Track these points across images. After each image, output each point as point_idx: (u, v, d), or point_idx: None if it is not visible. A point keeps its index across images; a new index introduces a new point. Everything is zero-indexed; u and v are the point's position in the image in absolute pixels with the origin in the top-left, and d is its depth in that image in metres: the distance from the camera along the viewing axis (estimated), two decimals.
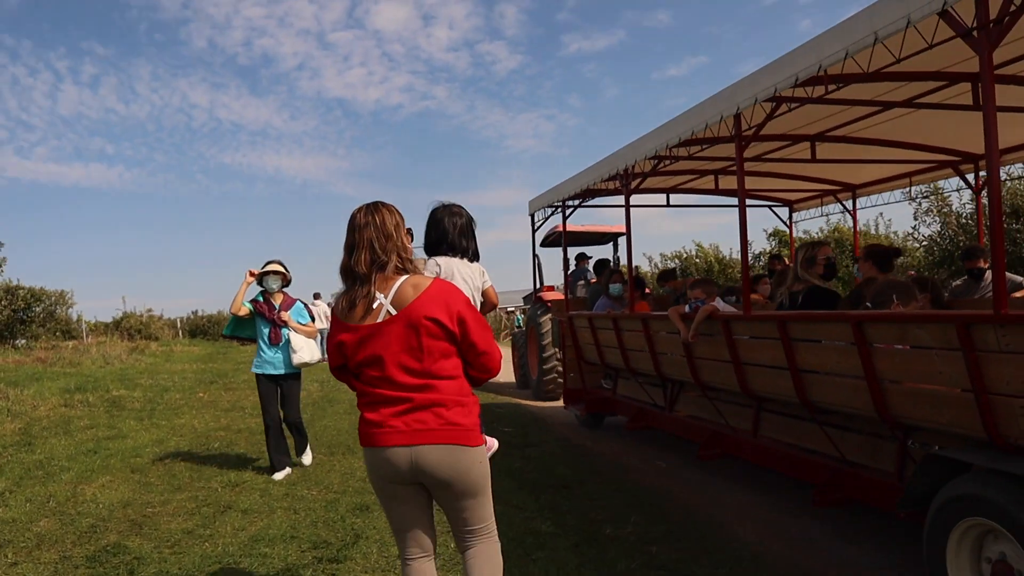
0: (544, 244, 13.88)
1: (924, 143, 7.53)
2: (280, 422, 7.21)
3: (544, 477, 6.72)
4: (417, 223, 3.64)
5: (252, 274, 7.06)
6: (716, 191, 9.96)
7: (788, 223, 11.49)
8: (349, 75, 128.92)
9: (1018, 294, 7.04)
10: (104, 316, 36.85)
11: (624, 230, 10.10)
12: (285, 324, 7.11)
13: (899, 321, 3.95)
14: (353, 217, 2.92)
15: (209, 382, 16.22)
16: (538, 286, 13.13)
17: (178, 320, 41.86)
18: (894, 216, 47.58)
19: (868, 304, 4.41)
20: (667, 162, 7.26)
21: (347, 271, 2.88)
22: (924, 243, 18.62)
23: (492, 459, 4.86)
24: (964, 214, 17.19)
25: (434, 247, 3.94)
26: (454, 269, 3.86)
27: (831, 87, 4.96)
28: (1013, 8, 3.23)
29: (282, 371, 7.15)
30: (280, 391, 7.25)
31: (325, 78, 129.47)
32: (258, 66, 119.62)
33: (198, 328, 40.79)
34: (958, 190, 8.82)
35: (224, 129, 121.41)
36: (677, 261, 26.54)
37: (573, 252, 12.44)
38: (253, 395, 12.54)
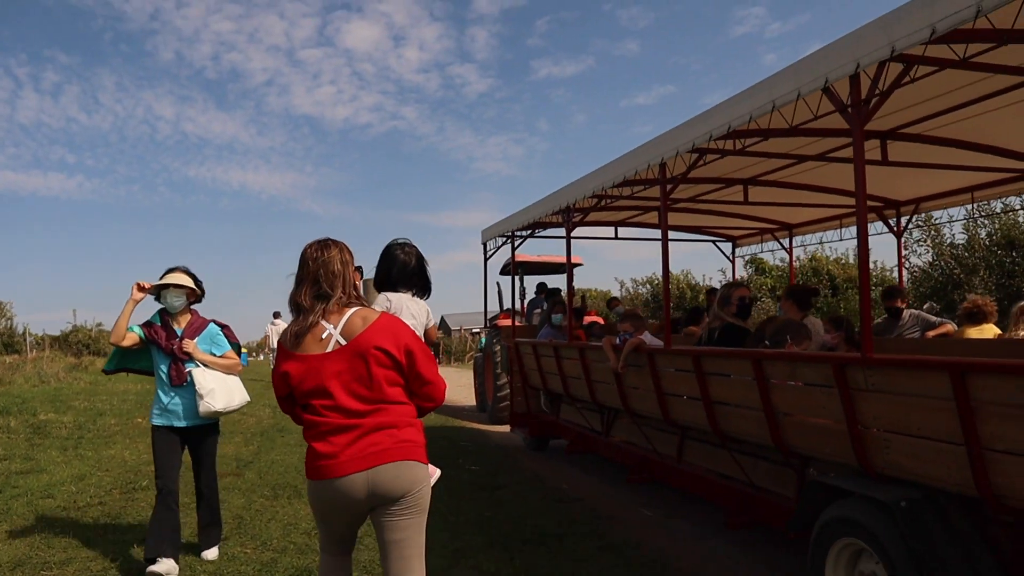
0: (503, 272, 14.28)
1: (846, 189, 8.05)
2: (177, 493, 5.07)
3: (518, 529, 5.94)
4: (380, 245, 4.01)
5: (142, 288, 4.98)
6: (659, 226, 10.41)
7: (731, 258, 12.01)
8: (318, 93, 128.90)
9: (931, 333, 7.55)
10: (56, 330, 35.21)
11: (580, 261, 10.44)
12: (189, 357, 5.12)
13: (789, 360, 4.38)
14: (304, 252, 3.06)
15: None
16: (496, 312, 13.51)
17: None
18: (876, 246, 48.76)
19: (767, 342, 4.84)
20: (608, 200, 7.68)
21: (293, 302, 3.03)
22: (914, 272, 18.49)
23: (459, 505, 5.06)
24: (959, 244, 17.21)
25: (385, 283, 4.15)
26: (403, 305, 4.08)
27: (751, 140, 5.44)
28: (879, 92, 3.69)
29: (186, 423, 5.13)
30: (188, 448, 5.27)
31: (294, 95, 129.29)
32: (226, 80, 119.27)
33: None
34: (880, 233, 9.26)
35: (190, 143, 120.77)
36: (648, 286, 26.97)
37: (534, 280, 12.88)
38: None
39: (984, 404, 3.17)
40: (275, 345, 27.26)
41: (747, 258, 23.55)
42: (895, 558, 3.48)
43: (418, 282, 4.18)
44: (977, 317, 6.97)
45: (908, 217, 8.82)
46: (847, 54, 3.72)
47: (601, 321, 12.11)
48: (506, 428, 11.93)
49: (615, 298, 12.95)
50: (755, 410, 4.74)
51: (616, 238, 11.09)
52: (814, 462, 4.67)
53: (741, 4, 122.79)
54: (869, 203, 8.72)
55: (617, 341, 6.53)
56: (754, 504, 5.22)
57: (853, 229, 9.84)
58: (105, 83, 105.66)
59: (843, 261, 22.72)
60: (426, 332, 4.22)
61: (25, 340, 32.12)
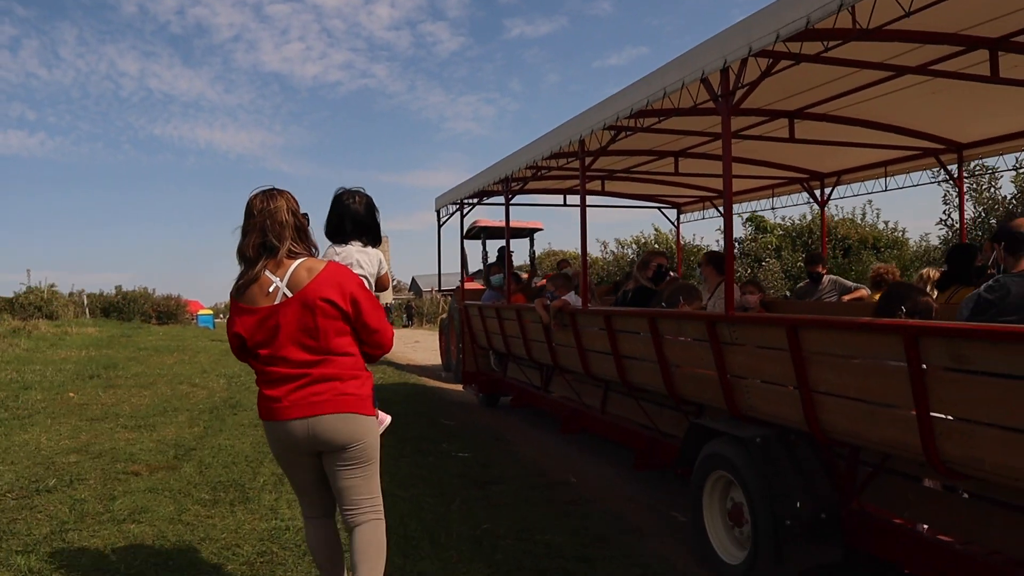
0: (467, 236, 14.77)
1: (772, 161, 8.65)
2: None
3: (527, 550, 4.65)
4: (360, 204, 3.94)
5: None
6: (603, 192, 10.96)
7: (676, 223, 12.62)
8: (287, 49, 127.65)
9: (847, 297, 8.20)
10: (9, 292, 32.37)
11: (539, 225, 10.95)
12: None
13: (676, 318, 4.98)
14: (249, 203, 3.05)
15: (89, 376, 12.71)
16: (462, 277, 14.03)
17: (84, 296, 35.36)
18: (883, 204, 48.12)
19: (663, 303, 5.44)
20: (543, 171, 8.21)
21: (240, 254, 3.03)
22: (953, 227, 16.84)
23: (448, 512, 4.93)
24: (1007, 196, 15.94)
25: (335, 233, 3.99)
26: (353, 255, 3.94)
27: (659, 118, 5.99)
28: (744, 85, 4.24)
29: None
30: None
31: (262, 51, 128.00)
32: (191, 36, 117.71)
33: (111, 306, 35.28)
34: (807, 203, 9.89)
35: (155, 99, 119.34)
36: (634, 247, 26.96)
37: (496, 245, 13.38)
38: (136, 397, 10.44)
39: (811, 354, 3.77)
40: None
41: (747, 216, 23.67)
42: (750, 485, 4.10)
43: (368, 231, 3.98)
44: (880, 284, 7.61)
45: (831, 188, 9.44)
46: (716, 51, 4.27)
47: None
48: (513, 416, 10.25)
49: (564, 260, 13.53)
50: (653, 363, 5.34)
51: (565, 205, 11.65)
52: (703, 408, 5.29)
53: None
54: (792, 174, 9.34)
55: (547, 301, 7.11)
56: (659, 448, 5.85)
57: (789, 197, 10.50)
58: (66, 37, 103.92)
59: (851, 220, 21.92)
60: (378, 280, 4.06)
61: None
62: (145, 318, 34.98)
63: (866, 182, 9.16)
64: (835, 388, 3.68)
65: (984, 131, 7.18)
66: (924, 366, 3.10)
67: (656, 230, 26.55)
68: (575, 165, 8.17)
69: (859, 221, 22.20)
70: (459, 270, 13.34)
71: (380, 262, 4.08)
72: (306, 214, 3.18)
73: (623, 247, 27.61)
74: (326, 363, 2.99)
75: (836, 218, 22.32)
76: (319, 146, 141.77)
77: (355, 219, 3.96)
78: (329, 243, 4.07)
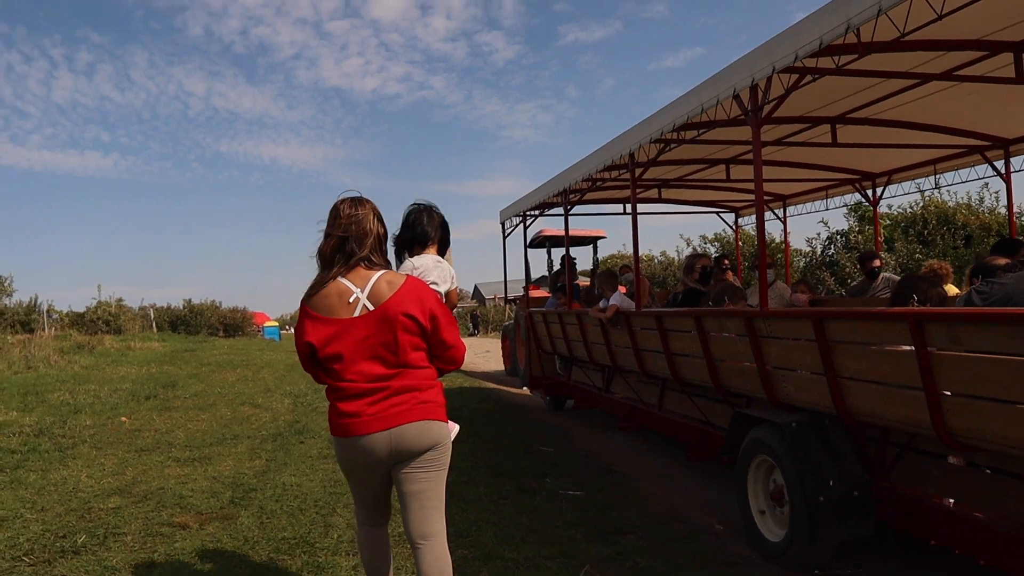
0: (531, 246, 15.30)
1: (833, 164, 8.95)
2: None
3: None
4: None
5: None
6: (660, 200, 11.33)
7: (735, 227, 12.89)
8: (346, 64, 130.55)
9: None
10: (82, 306, 32.49)
11: (602, 233, 11.36)
12: None
13: (718, 316, 5.37)
14: (336, 206, 3.03)
15: (145, 396, 12.01)
16: (526, 285, 14.56)
17: (151, 310, 35.43)
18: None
19: (710, 303, 5.82)
20: (600, 182, 8.66)
21: (321, 256, 3.01)
22: None
23: None
24: None
25: (409, 245, 3.97)
26: (429, 269, 3.90)
27: (700, 131, 6.39)
28: (772, 100, 4.64)
29: None
30: None
31: (322, 67, 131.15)
32: (255, 55, 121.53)
33: (179, 319, 35.43)
34: (857, 204, 10.09)
35: (221, 118, 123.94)
36: (717, 244, 26.54)
37: (561, 253, 13.88)
38: (193, 421, 9.65)
39: (836, 343, 4.14)
40: None
41: (850, 205, 22.05)
42: (787, 466, 4.47)
43: (441, 245, 3.98)
44: (934, 280, 7.81)
45: (882, 188, 9.64)
46: (745, 70, 4.67)
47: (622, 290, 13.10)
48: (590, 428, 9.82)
49: (626, 266, 13.92)
50: (700, 359, 5.73)
51: (624, 213, 12.07)
52: (750, 400, 5.65)
53: None
54: (846, 176, 9.58)
55: (601, 305, 7.53)
56: (709, 440, 6.22)
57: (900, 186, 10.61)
58: (137, 60, 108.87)
59: (967, 204, 20.01)
60: (447, 295, 3.96)
61: (45, 318, 30.08)
62: (212, 331, 35.59)
63: (918, 180, 9.34)
64: (857, 373, 4.04)
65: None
66: (929, 349, 3.45)
67: (733, 228, 26.04)
68: (628, 176, 8.63)
69: (975, 206, 20.32)
70: (523, 278, 13.85)
71: (452, 278, 4.01)
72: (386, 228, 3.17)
73: (707, 243, 27.25)
74: (403, 375, 2.97)
75: (950, 204, 20.65)
76: (379, 158, 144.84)
77: (429, 233, 3.93)
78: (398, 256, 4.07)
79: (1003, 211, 20.51)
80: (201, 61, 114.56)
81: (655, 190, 10.77)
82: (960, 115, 7.02)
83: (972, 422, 3.35)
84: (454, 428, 3.41)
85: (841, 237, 22.37)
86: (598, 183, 8.80)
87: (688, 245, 28.09)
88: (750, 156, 8.47)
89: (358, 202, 3.05)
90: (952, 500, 4.04)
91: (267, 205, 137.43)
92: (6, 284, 29.05)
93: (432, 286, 3.68)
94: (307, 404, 11.10)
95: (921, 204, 20.68)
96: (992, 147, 7.89)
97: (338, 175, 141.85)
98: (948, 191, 21.92)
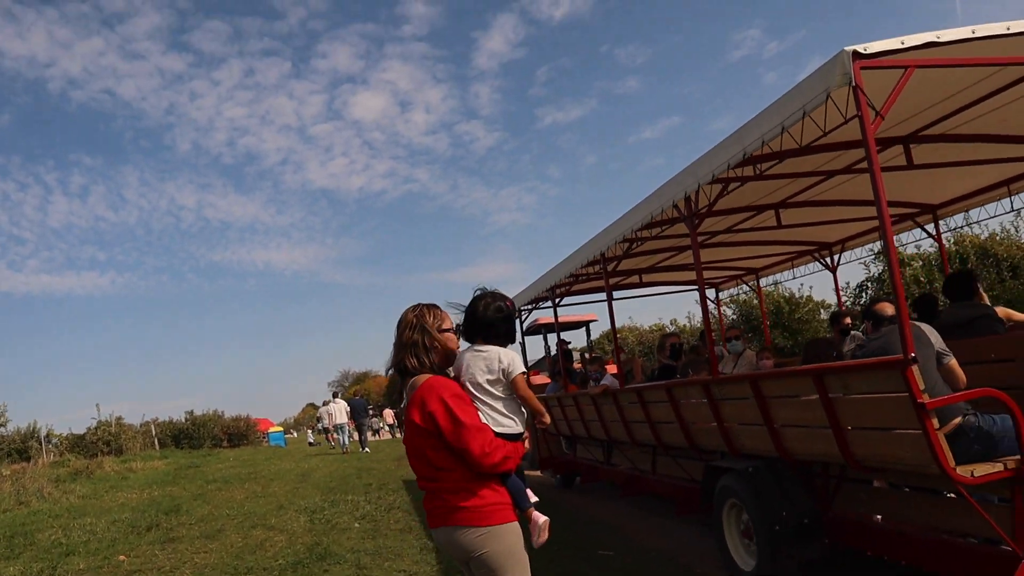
0: (527, 334, 16.42)
1: (792, 239, 10.08)
2: None
3: None
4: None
5: None
6: (641, 284, 12.44)
7: (717, 301, 13.99)
8: (332, 165, 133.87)
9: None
10: (82, 428, 31.54)
11: (594, 317, 12.42)
12: None
13: (683, 386, 6.39)
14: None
15: (147, 527, 10.90)
16: (527, 371, 15.59)
17: (152, 425, 34.22)
18: None
19: (678, 375, 6.84)
20: (582, 278, 9.78)
21: None
22: None
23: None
24: None
25: (468, 335, 3.66)
26: (471, 358, 3.48)
27: (661, 228, 7.51)
28: (704, 207, 5.76)
29: None
30: None
31: (308, 170, 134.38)
32: (242, 164, 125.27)
33: (182, 433, 34.28)
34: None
35: (213, 228, 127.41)
36: (733, 305, 26.59)
37: (567, 337, 14.96)
38: (200, 554, 8.67)
39: (770, 399, 5.15)
40: (329, 425, 28.22)
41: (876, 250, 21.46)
42: (749, 505, 5.42)
43: (498, 332, 3.51)
44: (831, 342, 8.76)
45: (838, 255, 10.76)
46: (680, 184, 5.82)
47: (614, 369, 14.12)
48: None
49: (620, 348, 15.00)
50: (675, 423, 6.72)
51: (609, 300, 13.17)
52: (722, 454, 6.61)
53: (737, 28, 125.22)
54: (804, 247, 10.71)
55: (591, 383, 8.53)
56: (694, 494, 7.14)
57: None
58: (129, 180, 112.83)
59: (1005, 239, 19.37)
60: (513, 383, 3.39)
61: (42, 444, 28.86)
62: (215, 442, 34.81)
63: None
64: (787, 421, 5.05)
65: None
66: (830, 395, 4.47)
67: (751, 289, 26.20)
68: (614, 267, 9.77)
69: (1014, 236, 19.78)
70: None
71: (507, 361, 3.42)
72: (458, 325, 3.39)
73: (723, 305, 27.57)
74: (437, 478, 3.11)
75: (982, 236, 20.11)
76: (370, 254, 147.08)
77: (482, 321, 3.52)
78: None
79: None
80: (191, 175, 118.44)
81: (636, 276, 11.91)
82: (891, 188, 8.15)
83: (868, 449, 4.34)
84: (537, 520, 3.29)
85: (874, 284, 22.28)
86: (580, 277, 9.91)
87: (676, 321, 29.20)
88: (716, 239, 9.62)
89: (404, 313, 3.31)
90: (879, 516, 4.98)
91: (263, 309, 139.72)
92: (1, 414, 28.36)
93: (481, 375, 3.35)
94: (325, 520, 10.05)
95: (952, 240, 20.09)
96: (921, 213, 9.03)
97: (331, 274, 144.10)
98: (982, 224, 20.88)
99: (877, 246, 10.92)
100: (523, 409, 3.36)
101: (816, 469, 5.35)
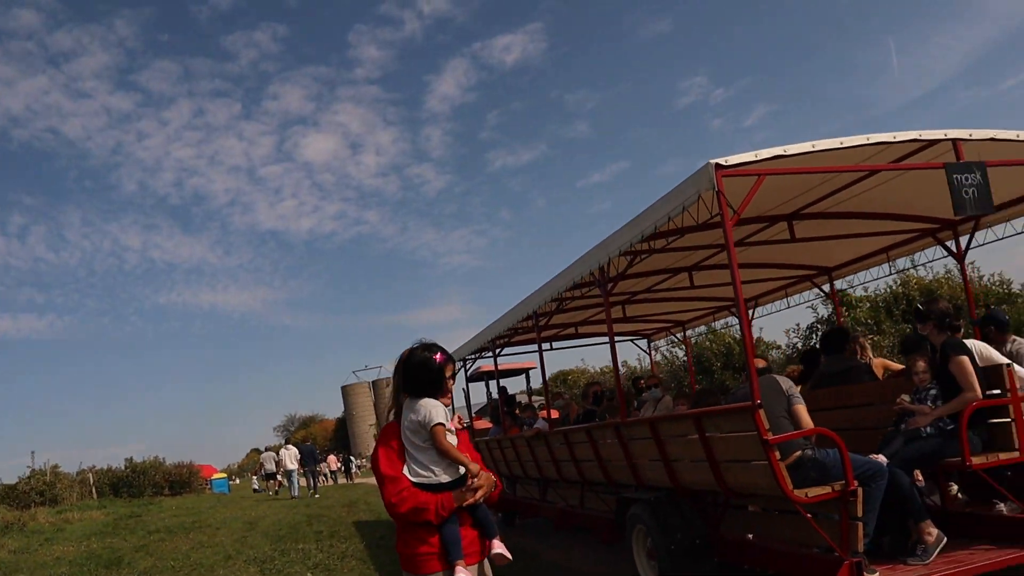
0: (471, 380, 17.40)
1: (707, 295, 11.24)
2: None
3: None
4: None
5: None
6: (577, 335, 13.53)
7: (649, 351, 15.15)
8: (281, 207, 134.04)
9: None
10: (14, 477, 30.04)
11: (532, 365, 13.44)
12: None
13: (600, 428, 7.41)
14: None
15: None
16: (470, 417, 16.57)
17: (90, 474, 32.99)
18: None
19: (597, 419, 7.87)
20: (517, 332, 10.81)
21: None
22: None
23: None
24: None
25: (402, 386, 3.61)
26: (407, 406, 3.52)
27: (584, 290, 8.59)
28: (614, 274, 6.84)
29: None
30: None
31: (257, 212, 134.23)
32: (189, 204, 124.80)
33: (121, 481, 33.07)
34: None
35: (158, 270, 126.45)
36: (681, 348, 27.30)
37: (509, 384, 15.95)
38: None
39: (667, 438, 6.18)
40: (278, 471, 28.41)
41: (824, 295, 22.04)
42: (652, 530, 6.41)
43: (422, 382, 3.51)
44: (713, 391, 9.81)
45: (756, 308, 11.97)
46: (596, 255, 6.89)
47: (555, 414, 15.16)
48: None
49: (559, 392, 16.04)
50: (594, 461, 7.72)
51: (540, 351, 14.25)
52: (628, 487, 7.60)
53: (684, 75, 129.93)
54: (718, 304, 11.91)
55: (523, 428, 9.51)
56: (613, 524, 8.12)
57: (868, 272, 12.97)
58: (71, 220, 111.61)
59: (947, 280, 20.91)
60: (431, 433, 3.41)
61: None
62: (157, 490, 33.68)
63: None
64: (678, 456, 6.08)
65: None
66: (708, 434, 5.52)
67: (713, 332, 27.53)
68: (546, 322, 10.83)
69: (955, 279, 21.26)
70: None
71: (427, 411, 3.43)
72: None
73: (671, 348, 28.24)
74: None
75: (928, 279, 21.64)
76: (319, 296, 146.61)
77: (410, 373, 3.53)
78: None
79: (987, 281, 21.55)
80: (136, 215, 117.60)
81: (572, 328, 13.00)
82: (794, 254, 9.32)
83: (735, 478, 5.39)
84: (497, 549, 3.48)
85: (821, 325, 23.66)
86: (519, 330, 10.95)
87: (656, 351, 30.01)
88: (641, 297, 10.76)
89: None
90: (751, 535, 6.01)
91: (209, 353, 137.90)
92: None
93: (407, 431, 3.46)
94: (276, 571, 9.91)
95: (898, 283, 21.61)
96: (818, 274, 10.27)
97: (279, 317, 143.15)
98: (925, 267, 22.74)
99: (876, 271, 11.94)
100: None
101: (706, 497, 6.38)
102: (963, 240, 8.14)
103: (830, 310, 22.85)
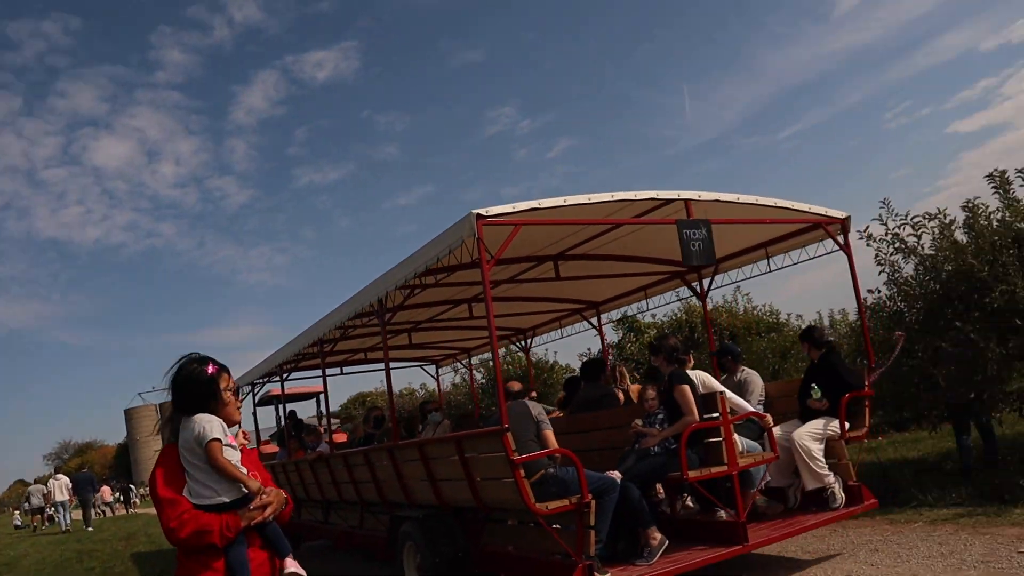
0: (259, 404, 17.22)
1: (484, 325, 11.94)
2: None
3: None
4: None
5: None
6: (366, 360, 13.88)
7: (436, 377, 15.76)
8: (64, 214, 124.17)
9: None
10: None
11: (319, 389, 13.58)
12: None
13: (376, 451, 7.85)
14: None
15: None
16: (257, 440, 16.38)
17: None
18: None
19: (376, 442, 8.30)
20: (304, 358, 11.04)
21: None
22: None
23: None
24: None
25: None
26: (183, 423, 3.32)
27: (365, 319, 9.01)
28: (393, 306, 7.32)
29: None
30: None
31: (36, 217, 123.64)
32: None
33: None
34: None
35: None
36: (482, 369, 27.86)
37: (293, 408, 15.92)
38: None
39: (433, 459, 6.71)
40: (46, 504, 26.31)
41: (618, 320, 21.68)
42: (420, 545, 6.90)
43: (192, 396, 3.32)
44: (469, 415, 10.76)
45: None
46: (374, 290, 7.33)
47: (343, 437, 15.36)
48: None
49: (348, 416, 16.30)
50: (371, 482, 8.13)
51: (323, 376, 14.49)
52: (401, 506, 8.06)
53: (492, 105, 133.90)
54: (507, 332, 12.70)
55: (307, 451, 9.76)
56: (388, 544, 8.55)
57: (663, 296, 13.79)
58: None
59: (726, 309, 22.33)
60: (205, 450, 3.22)
61: None
62: None
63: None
64: (443, 476, 6.63)
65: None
66: (467, 455, 6.10)
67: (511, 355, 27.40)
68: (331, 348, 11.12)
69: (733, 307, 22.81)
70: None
71: (197, 430, 3.26)
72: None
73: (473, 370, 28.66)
74: None
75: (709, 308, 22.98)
76: (104, 312, 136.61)
77: (177, 386, 3.34)
78: None
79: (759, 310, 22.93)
80: None
81: (361, 353, 13.34)
82: (565, 290, 10.19)
83: (489, 494, 6.00)
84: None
85: (615, 349, 24.05)
86: (307, 355, 11.18)
87: (456, 373, 30.29)
88: (426, 324, 11.31)
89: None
90: (511, 547, 6.64)
91: None
92: None
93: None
94: None
95: (682, 311, 22.49)
96: (587, 308, 11.27)
97: (56, 333, 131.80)
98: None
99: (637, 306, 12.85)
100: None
101: (469, 514, 6.96)
102: (706, 282, 9.35)
103: (620, 335, 24.80)
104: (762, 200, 6.89)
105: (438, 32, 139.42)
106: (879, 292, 9.55)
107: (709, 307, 26.05)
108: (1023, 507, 7.42)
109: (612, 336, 26.27)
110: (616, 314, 12.85)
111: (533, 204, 5.94)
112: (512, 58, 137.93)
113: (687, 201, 6.50)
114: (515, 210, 5.83)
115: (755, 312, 23.87)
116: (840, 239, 7.49)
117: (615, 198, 6.27)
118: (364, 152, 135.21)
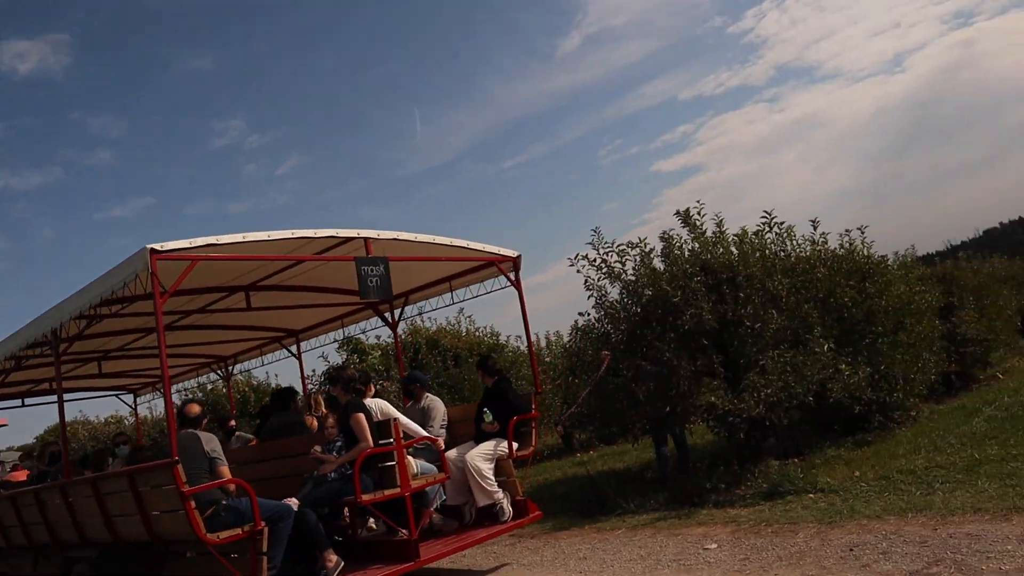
0: None
1: (185, 353, 11.63)
2: None
3: None
4: None
5: None
6: (51, 391, 12.94)
7: (133, 406, 15.03)
8: None
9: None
10: None
11: (5, 422, 12.45)
12: None
13: (47, 490, 7.51)
14: None
15: None
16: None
17: None
18: None
19: (50, 479, 7.92)
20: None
21: None
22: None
23: None
24: None
25: None
26: None
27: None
28: (70, 336, 7.07)
29: None
30: None
31: None
32: None
33: None
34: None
35: None
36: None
37: None
38: None
39: (106, 495, 6.58)
40: None
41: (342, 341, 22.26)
42: None
43: None
44: (144, 449, 10.62)
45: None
46: (48, 320, 7.05)
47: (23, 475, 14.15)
48: None
49: (28, 453, 15.06)
50: (42, 524, 7.73)
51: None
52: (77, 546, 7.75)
53: (220, 117, 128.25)
54: (203, 360, 12.45)
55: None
56: None
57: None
58: None
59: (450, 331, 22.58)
60: None
61: None
62: None
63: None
64: (117, 511, 6.53)
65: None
66: (140, 489, 6.09)
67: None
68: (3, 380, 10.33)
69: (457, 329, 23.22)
70: None
71: None
72: None
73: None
74: None
75: (432, 329, 22.97)
76: None
77: None
78: None
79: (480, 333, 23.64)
80: None
81: (46, 383, 12.44)
82: (260, 319, 10.22)
83: (162, 527, 6.03)
84: None
85: (316, 376, 24.19)
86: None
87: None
88: (115, 355, 10.83)
89: None
90: None
91: None
92: None
93: None
94: None
95: (407, 332, 22.49)
96: (286, 336, 11.40)
97: None
98: (429, 318, 23.82)
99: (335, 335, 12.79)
100: None
101: (147, 548, 6.88)
102: (397, 312, 9.89)
103: (344, 357, 24.75)
104: (439, 239, 7.53)
105: (163, 34, 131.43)
106: (588, 315, 10.25)
107: (432, 328, 26.87)
108: (709, 508, 8.22)
109: (336, 358, 26.37)
110: (327, 338, 13.15)
111: (211, 240, 6.10)
112: (242, 69, 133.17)
113: (366, 239, 6.95)
114: (192, 245, 5.97)
115: (476, 334, 25.69)
116: (512, 276, 8.31)
117: (295, 235, 6.58)
118: (73, 157, 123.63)
